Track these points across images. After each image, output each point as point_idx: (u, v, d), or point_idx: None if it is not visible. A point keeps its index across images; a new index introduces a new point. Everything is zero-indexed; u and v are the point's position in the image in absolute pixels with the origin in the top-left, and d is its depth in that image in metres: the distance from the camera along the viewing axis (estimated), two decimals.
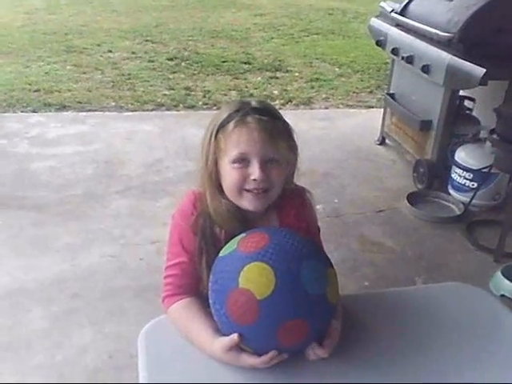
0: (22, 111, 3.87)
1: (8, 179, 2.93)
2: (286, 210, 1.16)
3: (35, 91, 4.21)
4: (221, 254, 1.03)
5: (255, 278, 0.95)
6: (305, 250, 1.00)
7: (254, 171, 1.06)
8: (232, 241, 1.04)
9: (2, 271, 2.21)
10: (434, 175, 2.99)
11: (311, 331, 0.98)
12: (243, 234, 1.04)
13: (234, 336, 0.97)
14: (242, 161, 1.06)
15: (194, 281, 1.13)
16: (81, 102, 4.10)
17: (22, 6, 7.00)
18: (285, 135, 1.11)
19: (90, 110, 3.98)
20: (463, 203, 2.83)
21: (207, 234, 1.12)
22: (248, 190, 1.08)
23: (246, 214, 1.12)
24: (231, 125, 1.07)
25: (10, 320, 1.97)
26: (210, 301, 1.01)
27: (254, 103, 1.12)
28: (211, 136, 1.10)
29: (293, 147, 1.14)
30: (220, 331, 1.01)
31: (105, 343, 1.87)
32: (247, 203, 1.10)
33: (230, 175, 1.08)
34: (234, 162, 1.07)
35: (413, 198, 2.90)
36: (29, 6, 7.08)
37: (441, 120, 2.94)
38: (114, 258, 2.34)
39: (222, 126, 1.08)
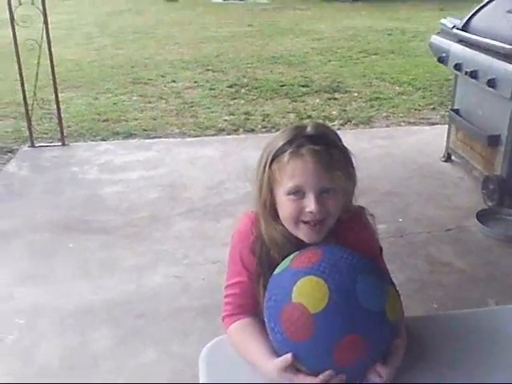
0: (91, 140, 4.08)
1: (78, 204, 3.08)
2: (344, 234, 1.12)
3: (104, 121, 4.43)
4: (275, 273, 1.03)
5: (308, 292, 0.93)
6: (360, 265, 0.98)
7: (310, 204, 1.04)
8: (286, 259, 1.03)
9: (72, 292, 2.31)
10: (504, 192, 2.84)
11: (369, 349, 0.94)
12: (297, 253, 1.03)
13: (288, 355, 0.94)
14: (297, 193, 1.05)
15: (254, 300, 1.12)
16: (146, 130, 4.26)
17: (93, 44, 7.45)
18: (341, 164, 1.08)
19: (155, 137, 4.13)
20: None
21: (264, 258, 1.11)
22: (304, 222, 1.07)
23: (302, 240, 1.09)
24: (286, 156, 1.05)
25: (78, 339, 2.03)
26: (265, 319, 1.00)
27: (309, 130, 1.08)
28: (265, 165, 1.08)
29: (350, 174, 1.11)
30: (276, 352, 0.99)
31: (168, 363, 1.89)
32: (303, 235, 1.09)
33: (285, 206, 1.07)
34: (289, 193, 1.06)
35: (483, 216, 2.76)
36: (98, 43, 7.53)
37: (510, 134, 2.82)
38: (177, 278, 2.38)
39: (277, 155, 1.06)
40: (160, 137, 4.15)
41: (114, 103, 4.89)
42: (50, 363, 1.91)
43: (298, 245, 1.08)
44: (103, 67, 6.15)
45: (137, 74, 5.87)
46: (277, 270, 1.03)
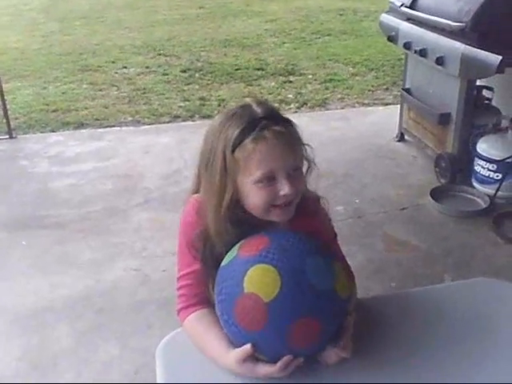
0: (41, 132, 3.93)
1: (29, 199, 2.97)
2: (298, 220, 1.09)
3: (53, 111, 4.27)
4: (222, 264, 1.01)
5: (260, 281, 0.93)
6: (307, 247, 0.98)
7: (283, 187, 1.02)
8: (232, 249, 1.01)
9: (28, 290, 2.24)
10: (456, 169, 2.92)
11: (323, 330, 0.95)
12: (242, 241, 1.01)
13: (247, 346, 0.94)
14: (267, 179, 1.02)
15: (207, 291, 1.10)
16: (98, 119, 4.14)
17: (38, 30, 7.14)
18: (298, 138, 1.07)
19: (107, 127, 4.02)
20: (488, 196, 2.76)
21: (208, 256, 1.08)
22: (276, 206, 1.05)
23: (253, 228, 1.05)
24: (248, 143, 1.00)
25: (37, 338, 1.98)
26: (218, 313, 0.99)
27: (258, 111, 1.04)
28: (224, 155, 1.02)
29: (304, 145, 1.10)
30: (233, 343, 0.99)
31: (130, 358, 1.87)
32: (276, 217, 1.06)
33: (255, 195, 1.03)
34: (259, 181, 1.02)
35: (436, 194, 2.84)
36: (44, 29, 7.22)
37: (459, 112, 2.88)
38: (137, 271, 2.34)
39: (237, 144, 1.01)
40: (113, 126, 4.04)
41: (63, 92, 4.72)
42: (9, 364, 1.86)
43: (245, 236, 1.03)
44: (50, 55, 5.91)
45: (86, 60, 5.68)
46: (224, 261, 1.01)
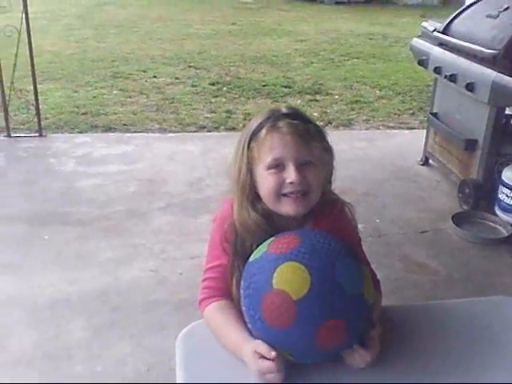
0: (69, 133, 4.02)
1: (54, 196, 3.03)
2: (322, 222, 1.12)
3: (83, 114, 4.37)
4: (251, 259, 1.01)
5: (290, 278, 0.93)
6: (338, 249, 0.98)
7: (290, 174, 1.05)
8: (262, 245, 1.02)
9: (47, 283, 2.27)
10: (480, 196, 2.90)
11: (350, 332, 0.95)
12: (273, 238, 1.02)
13: (272, 350, 0.94)
14: (277, 166, 1.06)
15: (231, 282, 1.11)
16: (126, 125, 4.22)
17: (73, 36, 7.34)
18: (317, 137, 1.11)
19: (134, 132, 4.09)
20: (511, 224, 2.72)
21: (238, 249, 1.11)
22: (286, 195, 1.07)
23: (277, 227, 1.09)
24: (263, 132, 1.07)
25: (53, 330, 2.00)
26: (243, 308, 0.99)
27: (284, 109, 1.12)
28: (243, 146, 1.10)
29: (327, 149, 1.13)
30: (255, 338, 0.99)
31: (143, 356, 1.88)
32: (287, 208, 1.08)
33: (266, 182, 1.08)
34: (269, 168, 1.07)
35: (458, 219, 2.81)
36: (79, 35, 7.42)
37: (486, 139, 2.87)
38: (154, 272, 2.36)
39: (254, 134, 1.08)
40: (140, 131, 4.11)
41: (94, 96, 4.83)
42: (23, 353, 1.88)
43: (272, 232, 1.06)
44: (83, 60, 6.07)
45: (118, 68, 5.81)
46: (253, 256, 1.01)
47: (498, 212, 2.85)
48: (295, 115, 1.10)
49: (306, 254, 0.94)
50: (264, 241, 1.03)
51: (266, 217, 1.10)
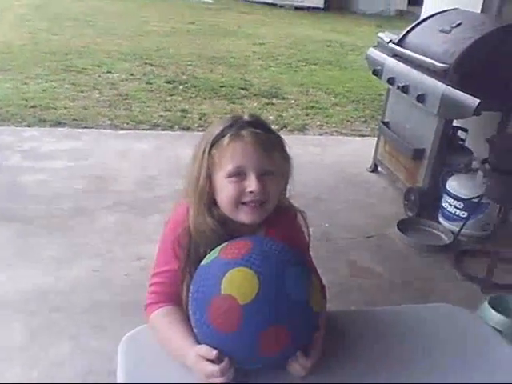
0: (16, 126, 3.87)
1: None
2: (274, 230, 1.14)
3: (31, 107, 4.22)
4: (202, 264, 1.01)
5: (238, 283, 0.93)
6: (289, 257, 0.99)
7: (251, 183, 1.05)
8: (214, 250, 1.02)
9: None
10: (424, 203, 2.99)
11: (293, 339, 0.96)
12: (225, 243, 1.02)
13: (214, 351, 0.94)
14: (238, 174, 1.06)
15: (180, 289, 1.10)
16: (76, 120, 4.11)
17: (27, 27, 7.09)
18: (278, 147, 1.12)
19: (84, 127, 3.99)
20: (453, 232, 2.83)
21: (191, 254, 1.10)
22: (244, 203, 1.07)
23: (232, 233, 1.09)
24: (226, 139, 1.07)
25: None
26: (190, 311, 0.99)
27: (246, 117, 1.12)
28: (204, 151, 1.09)
29: (286, 158, 1.15)
30: (200, 343, 0.98)
31: (82, 358, 1.82)
32: (244, 216, 1.09)
33: (226, 189, 1.07)
34: (229, 175, 1.06)
35: (403, 226, 2.89)
36: (33, 26, 7.17)
37: (434, 149, 2.96)
38: (98, 272, 2.30)
39: (216, 140, 1.08)
40: (90, 127, 4.01)
41: (44, 90, 4.67)
42: None
43: (226, 238, 1.07)
44: (35, 52, 5.86)
45: (71, 61, 5.64)
46: (204, 261, 1.01)
47: (441, 220, 2.96)
48: (257, 124, 1.11)
49: (256, 260, 0.94)
50: (217, 246, 1.03)
51: (222, 222, 1.10)
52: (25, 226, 2.60)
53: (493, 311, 2.13)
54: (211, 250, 1.04)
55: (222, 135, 1.08)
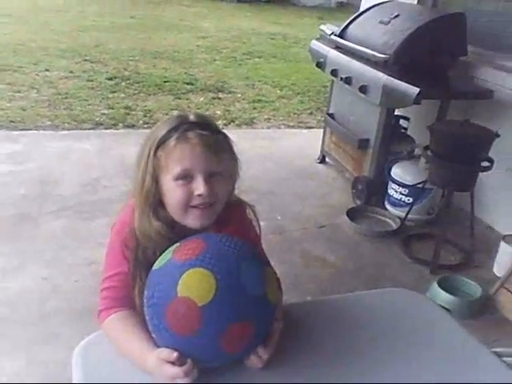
0: None
1: None
2: (224, 226, 1.13)
3: None
4: (155, 267, 0.99)
5: (195, 285, 0.91)
6: (242, 252, 0.98)
7: (199, 186, 1.04)
8: (166, 252, 1.00)
9: None
10: (371, 191, 3.06)
11: (256, 334, 0.96)
12: (177, 244, 1.00)
13: (174, 354, 0.92)
14: (185, 177, 1.04)
15: (133, 294, 1.08)
16: (14, 121, 3.93)
17: None
18: (226, 147, 1.11)
19: (23, 129, 3.82)
20: (399, 218, 2.92)
21: (139, 256, 1.08)
22: (193, 207, 1.06)
23: (179, 234, 1.06)
24: (172, 141, 1.04)
25: None
26: (147, 317, 0.96)
27: (192, 117, 1.10)
28: (149, 154, 1.06)
29: (234, 159, 1.14)
30: (159, 347, 0.96)
31: (36, 370, 1.76)
32: (193, 220, 1.07)
33: (173, 193, 1.05)
34: (177, 178, 1.04)
35: (352, 214, 2.95)
36: None
37: (378, 138, 3.03)
38: (46, 280, 2.22)
39: (162, 142, 1.05)
40: (29, 129, 3.84)
41: None
42: None
43: (175, 239, 1.04)
44: None
45: (5, 60, 5.39)
46: (157, 264, 0.99)
47: (388, 206, 3.04)
48: (204, 125, 1.08)
49: (211, 259, 0.93)
50: (167, 248, 1.01)
51: (169, 224, 1.08)
52: None
53: (442, 291, 2.22)
54: (161, 252, 1.01)
55: (167, 137, 1.05)
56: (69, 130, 3.92)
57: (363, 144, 3.13)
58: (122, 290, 1.08)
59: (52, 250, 2.44)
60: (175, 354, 0.92)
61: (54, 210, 2.78)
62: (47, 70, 5.21)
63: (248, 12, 10.53)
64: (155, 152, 1.05)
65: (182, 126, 1.06)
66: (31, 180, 3.07)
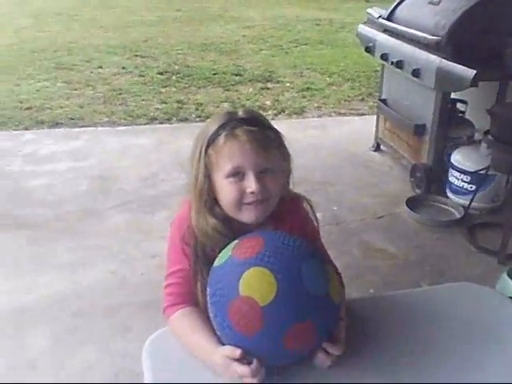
0: (14, 129, 3.84)
1: (2, 198, 2.89)
2: (281, 221, 1.13)
3: (27, 109, 4.18)
4: (216, 264, 1.00)
5: (256, 284, 0.92)
6: (303, 250, 0.98)
7: (250, 184, 1.04)
8: (225, 249, 1.01)
9: (2, 291, 2.17)
10: (431, 179, 2.99)
11: (318, 334, 0.96)
12: (236, 241, 1.01)
13: (237, 351, 0.94)
14: (237, 174, 1.05)
15: (195, 290, 1.10)
16: (73, 119, 4.07)
17: (11, 25, 6.98)
18: (276, 143, 1.10)
19: (82, 126, 3.96)
20: (463, 206, 2.83)
21: (199, 253, 1.09)
22: (246, 203, 1.07)
23: (237, 231, 1.07)
24: (221, 139, 1.05)
25: (13, 340, 1.93)
26: (211, 314, 0.98)
27: (241, 114, 1.10)
28: (201, 152, 1.07)
29: (285, 154, 1.13)
30: (223, 344, 0.98)
31: (109, 361, 1.84)
32: (247, 216, 1.08)
33: (226, 191, 1.06)
34: (228, 176, 1.05)
35: (412, 203, 2.89)
36: (17, 24, 7.06)
37: (434, 123, 2.94)
38: (114, 274, 2.30)
39: (212, 140, 1.06)
40: (88, 126, 3.98)
41: (37, 90, 4.63)
42: None
43: (232, 236, 1.05)
44: (23, 51, 5.79)
45: (60, 58, 5.58)
46: (218, 262, 1.00)
47: (450, 194, 2.96)
48: (253, 120, 1.08)
49: (270, 257, 0.93)
50: (225, 245, 1.02)
51: (225, 221, 1.09)
52: (35, 232, 2.60)
53: None
54: (219, 249, 1.03)
55: (217, 135, 1.06)
56: (125, 125, 4.02)
57: (419, 130, 3.05)
58: (184, 286, 1.11)
59: (117, 243, 2.53)
60: (238, 352, 0.93)
61: (116, 205, 2.87)
62: (100, 67, 5.36)
63: None
64: (206, 150, 1.06)
65: (231, 123, 1.06)
66: (92, 176, 3.18)
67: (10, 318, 2.03)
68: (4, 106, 4.20)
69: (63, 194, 2.97)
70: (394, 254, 2.51)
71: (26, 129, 3.85)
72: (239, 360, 0.94)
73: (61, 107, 4.27)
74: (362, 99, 4.79)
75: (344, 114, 4.46)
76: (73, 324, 2.00)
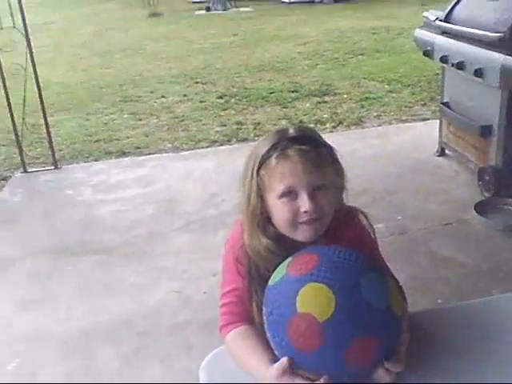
0: (84, 161, 4.07)
1: (75, 226, 3.06)
2: (335, 236, 1.11)
3: (96, 141, 4.41)
4: (270, 283, 0.99)
5: (313, 300, 0.90)
6: (360, 263, 0.95)
7: (304, 203, 1.03)
8: (280, 267, 1.00)
9: (72, 314, 2.29)
10: (501, 181, 2.84)
11: (380, 348, 0.92)
12: (290, 258, 1.00)
13: (283, 360, 0.92)
14: (290, 194, 1.04)
15: (250, 309, 1.10)
16: (139, 147, 4.25)
17: (80, 65, 7.45)
18: (329, 160, 1.09)
19: (148, 154, 4.12)
20: None
21: (253, 273, 1.10)
22: (301, 223, 1.06)
23: (290, 249, 1.06)
24: (273, 160, 1.05)
25: (82, 362, 2.01)
26: (268, 334, 0.97)
27: (292, 132, 1.09)
28: (252, 173, 1.07)
29: (338, 170, 1.12)
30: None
31: (174, 379, 1.87)
32: (302, 235, 1.07)
33: (280, 211, 1.06)
34: (281, 197, 1.05)
35: (481, 208, 2.75)
36: (85, 63, 7.53)
37: (502, 123, 2.82)
38: (178, 293, 2.36)
39: (264, 161, 1.06)
40: (153, 153, 4.13)
41: (105, 123, 4.89)
42: None
43: (285, 255, 1.04)
44: (92, 87, 6.15)
45: (126, 91, 5.87)
46: (272, 280, 0.99)
47: None
48: (304, 138, 1.07)
49: (326, 272, 0.92)
50: (278, 264, 1.02)
51: (278, 239, 1.09)
52: (103, 256, 2.72)
53: None
54: (273, 269, 1.02)
55: (268, 155, 1.05)
56: (188, 150, 4.14)
57: (486, 131, 2.92)
58: (239, 305, 1.11)
59: (181, 264, 2.59)
60: (285, 359, 0.92)
61: (180, 226, 2.95)
62: (163, 97, 5.58)
63: (346, 11, 10.38)
64: (258, 171, 1.06)
65: (282, 143, 1.05)
66: (158, 200, 3.30)
67: (78, 339, 2.12)
68: (75, 140, 4.47)
69: (131, 219, 3.09)
70: (464, 263, 2.39)
71: (96, 160, 4.07)
72: (292, 371, 0.93)
73: (127, 137, 4.48)
74: (424, 104, 4.65)
75: (405, 121, 4.35)
76: (138, 344, 2.06)
